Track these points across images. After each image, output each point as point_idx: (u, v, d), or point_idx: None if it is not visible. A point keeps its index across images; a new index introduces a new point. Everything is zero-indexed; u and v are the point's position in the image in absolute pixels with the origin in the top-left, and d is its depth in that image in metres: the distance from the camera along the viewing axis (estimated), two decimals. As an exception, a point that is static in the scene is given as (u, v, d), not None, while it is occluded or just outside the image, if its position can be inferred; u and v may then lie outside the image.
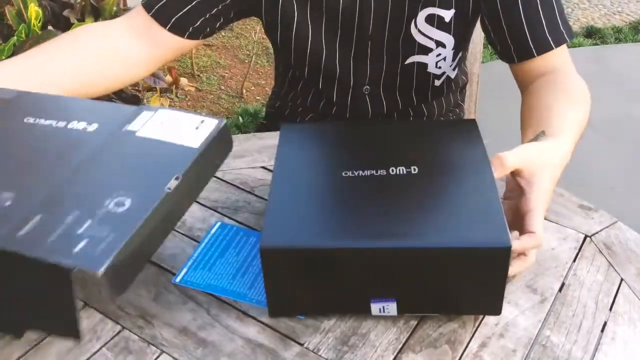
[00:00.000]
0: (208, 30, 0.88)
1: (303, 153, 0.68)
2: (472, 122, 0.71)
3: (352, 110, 0.97)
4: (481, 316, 0.62)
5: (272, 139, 0.87)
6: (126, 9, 1.68)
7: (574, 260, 0.68)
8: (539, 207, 0.62)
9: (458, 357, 0.58)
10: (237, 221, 0.73)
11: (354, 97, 0.96)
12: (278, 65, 1.10)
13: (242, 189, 0.79)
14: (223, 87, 2.51)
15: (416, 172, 0.63)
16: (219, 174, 0.81)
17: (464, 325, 0.61)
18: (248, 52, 2.62)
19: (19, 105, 0.63)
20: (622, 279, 0.66)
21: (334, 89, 0.95)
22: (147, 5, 0.85)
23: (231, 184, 0.79)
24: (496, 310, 0.60)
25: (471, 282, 0.57)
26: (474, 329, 0.61)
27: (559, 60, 0.84)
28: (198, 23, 0.86)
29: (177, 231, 0.72)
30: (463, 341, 0.59)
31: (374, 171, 0.64)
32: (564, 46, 0.84)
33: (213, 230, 0.71)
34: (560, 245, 0.70)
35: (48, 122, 0.59)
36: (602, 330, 0.61)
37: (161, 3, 0.84)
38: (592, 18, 3.19)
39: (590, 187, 2.00)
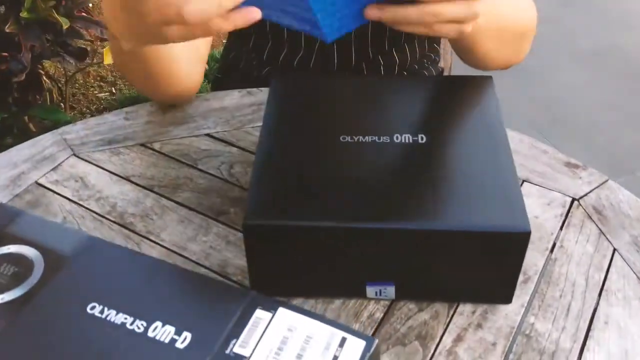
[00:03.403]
0: None
1: (296, 111, 0.60)
2: (488, 81, 0.61)
3: (317, 64, 0.87)
4: (455, 304, 0.54)
5: (218, 100, 0.77)
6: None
7: (560, 229, 0.60)
8: None
9: (430, 355, 0.50)
10: (176, 202, 0.64)
11: (321, 46, 0.85)
12: None
13: (184, 163, 0.69)
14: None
15: (424, 141, 0.55)
16: (155, 145, 0.71)
17: (437, 316, 0.53)
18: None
19: (82, 273, 0.46)
20: (614, 249, 0.58)
21: (301, 37, 0.84)
22: None
23: (170, 156, 0.69)
24: (507, 299, 0.53)
25: (482, 268, 0.50)
26: (448, 319, 0.53)
27: None
28: None
29: (106, 218, 0.62)
30: (435, 335, 0.51)
31: (376, 138, 0.55)
32: None
33: None
34: (544, 213, 0.62)
35: (120, 318, 0.43)
36: (594, 314, 0.53)
37: None
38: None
39: (577, 122, 1.92)
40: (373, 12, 0.53)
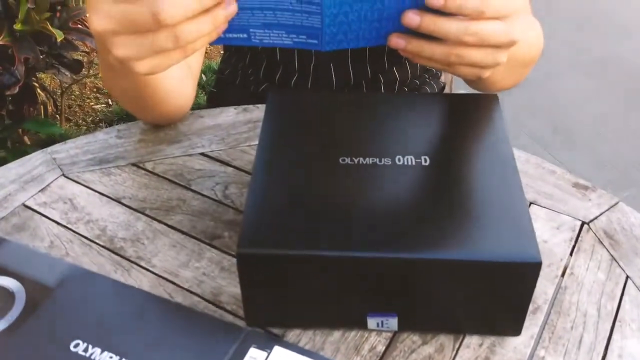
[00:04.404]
0: None
1: (293, 130, 0.57)
2: (494, 99, 0.59)
3: (314, 83, 0.84)
4: (461, 336, 0.51)
5: (213, 117, 0.74)
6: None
7: (570, 254, 0.58)
8: None
9: (435, 392, 0.47)
10: (168, 225, 0.61)
11: (317, 67, 0.83)
12: None
13: (177, 183, 0.66)
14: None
15: (427, 163, 0.52)
16: (148, 165, 0.68)
17: (442, 349, 0.50)
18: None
19: (66, 306, 0.43)
20: (627, 277, 0.56)
21: (294, 58, 0.82)
22: None
23: (163, 177, 0.67)
24: (516, 331, 0.50)
25: (490, 299, 0.48)
26: (454, 352, 0.50)
27: None
28: None
29: (95, 242, 0.59)
30: (440, 370, 0.49)
31: (377, 160, 0.53)
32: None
33: None
34: (553, 237, 0.59)
35: (105, 357, 0.40)
36: (607, 346, 0.50)
37: None
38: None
39: (581, 132, 1.89)
40: (398, 42, 0.51)
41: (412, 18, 0.49)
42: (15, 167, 0.68)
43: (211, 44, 0.50)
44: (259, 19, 0.51)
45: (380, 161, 0.53)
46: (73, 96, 2.03)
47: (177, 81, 0.66)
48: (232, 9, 0.48)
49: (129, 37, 0.45)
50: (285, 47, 0.54)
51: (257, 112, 0.75)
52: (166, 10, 0.42)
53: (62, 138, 1.78)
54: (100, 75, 1.77)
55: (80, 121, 1.96)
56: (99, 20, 0.45)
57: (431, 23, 0.49)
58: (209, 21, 0.46)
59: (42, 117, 1.70)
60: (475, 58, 0.50)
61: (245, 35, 0.53)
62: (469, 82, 0.70)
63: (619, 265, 0.56)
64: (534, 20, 0.73)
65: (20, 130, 1.57)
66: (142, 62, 0.46)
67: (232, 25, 0.50)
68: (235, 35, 0.53)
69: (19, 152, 1.48)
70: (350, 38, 0.53)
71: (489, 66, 0.52)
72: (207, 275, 0.56)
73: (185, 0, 0.43)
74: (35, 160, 0.69)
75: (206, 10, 0.45)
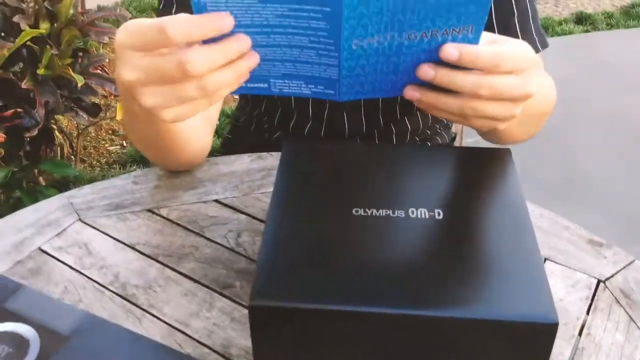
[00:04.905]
0: None
1: (307, 179, 0.57)
2: (507, 153, 0.59)
3: (327, 131, 0.86)
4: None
5: (228, 164, 0.75)
6: (84, 12, 1.55)
7: (587, 313, 0.57)
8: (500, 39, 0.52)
9: None
10: (181, 273, 0.61)
11: (331, 116, 0.84)
12: None
13: (190, 230, 0.66)
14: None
15: (440, 217, 0.52)
16: (163, 211, 0.69)
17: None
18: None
19: (80, 355, 0.42)
20: (645, 338, 0.55)
21: (308, 106, 0.84)
22: None
23: (177, 223, 0.67)
24: None
25: (506, 358, 0.47)
26: (468, 412, 0.49)
27: None
28: None
29: (108, 289, 0.59)
30: None
31: (391, 211, 0.53)
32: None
33: None
34: (568, 295, 0.58)
35: None
36: (626, 411, 0.49)
37: None
38: (581, 3, 3.07)
39: (590, 183, 1.89)
40: (412, 94, 0.52)
41: (427, 72, 0.50)
42: (32, 212, 0.69)
43: (233, 93, 0.51)
44: (279, 70, 0.52)
45: (393, 213, 0.53)
46: (89, 138, 2.06)
47: (197, 129, 0.67)
48: (254, 60, 0.49)
49: (157, 88, 0.46)
50: (303, 96, 0.55)
51: (271, 159, 0.76)
52: (194, 62, 0.44)
53: (77, 179, 1.80)
54: (118, 118, 1.80)
55: (95, 162, 1.99)
56: (127, 71, 0.46)
57: (446, 76, 0.50)
58: (232, 72, 0.47)
59: (59, 158, 1.72)
60: (490, 111, 0.51)
61: (265, 85, 0.54)
62: (483, 134, 0.70)
63: (638, 327, 0.56)
64: (546, 75, 0.74)
65: (36, 170, 1.59)
66: (168, 110, 0.47)
67: (254, 76, 0.52)
68: (256, 85, 0.54)
69: (34, 192, 1.49)
70: (366, 89, 0.54)
71: (504, 119, 0.52)
72: (217, 326, 0.56)
73: (211, 53, 0.45)
74: (52, 205, 0.70)
75: (230, 61, 0.47)
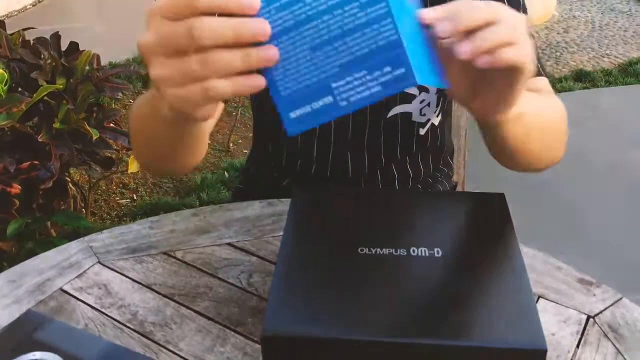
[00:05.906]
0: None
1: (316, 222, 0.62)
2: (501, 198, 0.64)
3: (332, 172, 0.91)
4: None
5: (240, 210, 0.80)
6: (99, 69, 1.63)
7: (577, 347, 0.60)
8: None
9: None
10: (195, 311, 0.65)
11: (335, 156, 0.89)
12: (256, 124, 1.04)
13: (204, 271, 0.70)
14: (209, 141, 2.45)
15: (439, 255, 0.57)
16: (178, 254, 0.73)
17: None
18: (235, 104, 2.57)
19: None
20: (633, 370, 0.58)
21: (313, 148, 0.89)
22: None
23: (192, 265, 0.71)
24: None
25: None
26: None
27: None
28: None
29: (127, 326, 0.63)
30: None
31: (394, 250, 0.57)
32: (544, 79, 0.78)
33: None
34: (560, 330, 0.62)
35: None
36: None
37: None
38: (581, 61, 3.18)
39: (589, 235, 1.92)
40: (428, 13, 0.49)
41: (427, 12, 0.48)
42: (54, 255, 0.74)
43: (295, 130, 0.48)
44: (333, 61, 0.46)
45: (396, 251, 0.57)
46: (99, 191, 2.11)
47: (207, 135, 0.70)
48: (269, 53, 0.45)
49: (165, 59, 0.47)
50: (376, 97, 0.46)
51: (281, 205, 0.80)
52: (201, 27, 0.45)
53: (87, 231, 1.84)
54: (129, 171, 1.85)
55: (105, 215, 2.03)
56: (147, 35, 0.48)
57: (446, 11, 0.48)
58: (240, 56, 0.45)
59: (71, 210, 1.77)
60: (497, 34, 0.48)
61: (330, 99, 0.46)
62: (503, 158, 0.71)
63: (625, 359, 0.59)
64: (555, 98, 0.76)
65: (48, 222, 1.64)
66: (171, 89, 0.47)
67: (311, 87, 0.46)
68: (320, 103, 0.47)
69: (47, 243, 1.53)
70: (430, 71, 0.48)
71: (518, 50, 0.49)
72: None
73: (220, 24, 0.45)
74: (72, 249, 0.74)
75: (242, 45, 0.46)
